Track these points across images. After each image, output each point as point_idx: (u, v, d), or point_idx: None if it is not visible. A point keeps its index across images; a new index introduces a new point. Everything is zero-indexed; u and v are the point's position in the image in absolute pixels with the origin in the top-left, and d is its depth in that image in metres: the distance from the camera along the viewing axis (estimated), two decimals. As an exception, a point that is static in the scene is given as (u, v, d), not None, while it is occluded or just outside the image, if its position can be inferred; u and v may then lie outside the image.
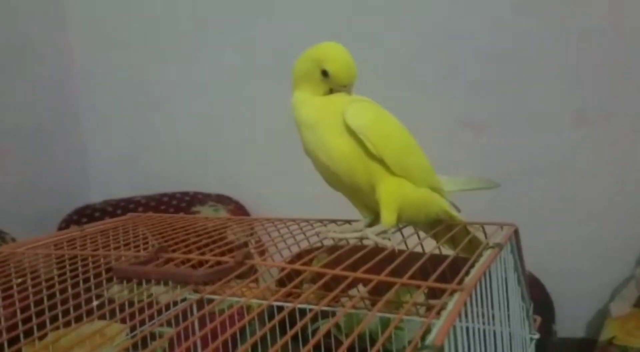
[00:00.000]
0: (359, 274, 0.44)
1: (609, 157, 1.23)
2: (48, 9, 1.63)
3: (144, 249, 0.65)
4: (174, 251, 0.64)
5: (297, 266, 0.48)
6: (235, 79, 1.54)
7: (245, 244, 0.68)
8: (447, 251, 0.58)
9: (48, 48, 1.63)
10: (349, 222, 0.66)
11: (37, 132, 1.57)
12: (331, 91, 0.58)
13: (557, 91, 1.25)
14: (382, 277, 0.43)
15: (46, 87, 1.62)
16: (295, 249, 0.67)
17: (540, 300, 1.19)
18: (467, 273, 0.45)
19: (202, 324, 0.73)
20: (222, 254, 0.63)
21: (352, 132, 0.55)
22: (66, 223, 1.57)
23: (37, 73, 1.58)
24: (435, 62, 1.34)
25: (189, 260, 0.53)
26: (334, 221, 0.68)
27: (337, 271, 0.45)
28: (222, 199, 1.56)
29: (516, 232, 0.58)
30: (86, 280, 0.53)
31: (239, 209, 1.54)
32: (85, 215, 1.57)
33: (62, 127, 1.67)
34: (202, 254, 0.64)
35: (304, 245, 0.65)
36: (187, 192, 1.58)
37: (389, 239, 0.55)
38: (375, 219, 0.60)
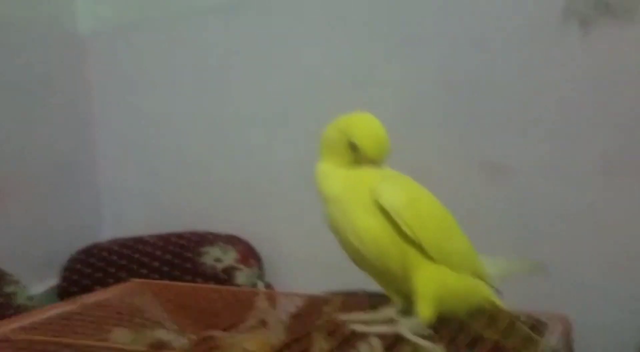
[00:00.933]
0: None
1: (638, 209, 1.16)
2: (67, 44, 1.61)
3: (150, 329, 0.57)
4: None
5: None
6: (252, 120, 1.49)
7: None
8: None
9: (66, 82, 1.60)
10: (374, 306, 0.59)
11: (51, 169, 1.54)
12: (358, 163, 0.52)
13: (586, 137, 1.18)
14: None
15: (62, 123, 1.59)
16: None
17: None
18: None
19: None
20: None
21: (384, 212, 0.48)
22: (72, 263, 1.51)
23: (52, 109, 1.55)
24: (457, 106, 1.28)
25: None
26: (353, 293, 0.61)
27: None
28: (231, 240, 1.49)
29: (569, 328, 0.51)
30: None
31: (248, 251, 1.47)
32: (92, 255, 1.51)
33: (76, 162, 1.64)
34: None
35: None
36: (197, 232, 1.52)
37: (429, 338, 0.48)
38: (408, 306, 0.53)
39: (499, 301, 0.53)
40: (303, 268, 1.42)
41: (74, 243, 1.55)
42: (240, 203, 1.55)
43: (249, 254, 1.48)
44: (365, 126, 0.51)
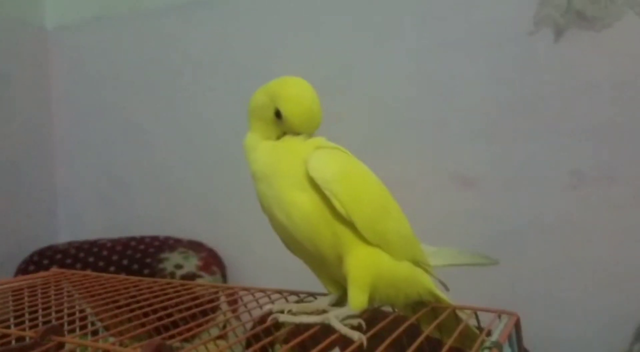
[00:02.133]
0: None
1: (608, 221, 1.13)
2: (31, 38, 1.57)
3: (57, 319, 0.52)
4: (102, 318, 0.52)
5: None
6: (219, 124, 1.45)
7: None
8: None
9: (25, 81, 1.56)
10: (313, 295, 0.54)
11: (7, 167, 1.48)
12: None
13: (554, 149, 1.15)
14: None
15: (21, 122, 1.54)
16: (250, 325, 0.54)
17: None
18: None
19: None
20: (157, 329, 0.50)
21: (316, 187, 0.43)
22: (26, 264, 1.45)
23: (11, 106, 1.50)
24: (427, 113, 1.25)
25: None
26: (296, 293, 0.56)
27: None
28: (194, 246, 1.43)
29: (517, 324, 0.46)
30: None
31: (212, 257, 1.41)
32: (47, 257, 1.45)
33: (32, 163, 1.59)
34: (128, 330, 0.52)
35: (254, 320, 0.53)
36: (157, 237, 1.46)
37: (359, 326, 0.43)
38: (343, 296, 0.48)
39: (440, 293, 0.48)
40: (270, 275, 1.36)
41: (29, 245, 1.49)
42: (206, 209, 1.49)
43: (211, 261, 1.41)
44: (293, 91, 0.46)
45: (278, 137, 0.47)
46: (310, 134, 0.46)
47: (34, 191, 1.59)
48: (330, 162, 0.44)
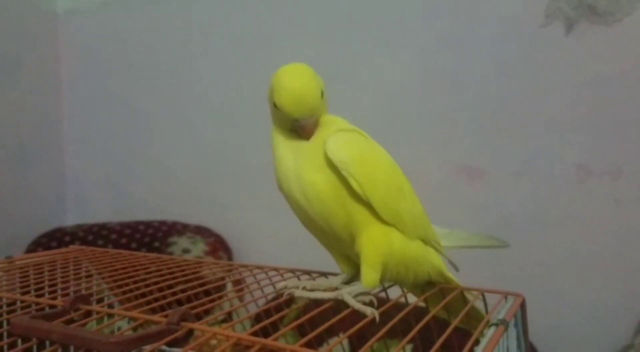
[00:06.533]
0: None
1: (613, 216, 1.13)
2: (41, 22, 1.58)
3: (75, 292, 0.54)
4: (116, 293, 0.54)
5: (252, 338, 0.37)
6: (226, 110, 1.46)
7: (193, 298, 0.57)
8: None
9: (35, 65, 1.56)
10: (325, 275, 0.55)
11: (16, 150, 1.49)
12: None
13: (561, 143, 1.16)
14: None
15: (30, 106, 1.55)
16: (262, 302, 0.56)
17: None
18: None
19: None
20: (170, 304, 0.52)
21: (334, 168, 0.45)
22: (34, 246, 1.47)
23: (20, 90, 1.51)
24: (436, 106, 1.26)
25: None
26: (308, 272, 0.58)
27: (297, 348, 0.35)
28: (201, 231, 1.45)
29: (522, 304, 0.47)
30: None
31: (218, 243, 1.43)
32: (55, 238, 1.47)
33: (42, 146, 1.60)
34: (148, 303, 0.53)
35: (272, 297, 0.54)
36: (165, 221, 1.47)
37: (371, 303, 0.45)
38: (355, 275, 0.50)
39: (449, 274, 0.50)
40: (275, 261, 1.38)
41: (37, 227, 1.50)
42: (212, 195, 1.51)
43: (218, 246, 1.43)
44: (282, 79, 0.45)
45: (290, 129, 0.47)
46: (308, 120, 0.46)
47: (43, 174, 1.61)
48: (347, 144, 0.45)
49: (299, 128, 0.46)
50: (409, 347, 0.57)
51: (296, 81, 0.45)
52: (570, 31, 1.11)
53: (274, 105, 0.46)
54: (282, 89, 0.45)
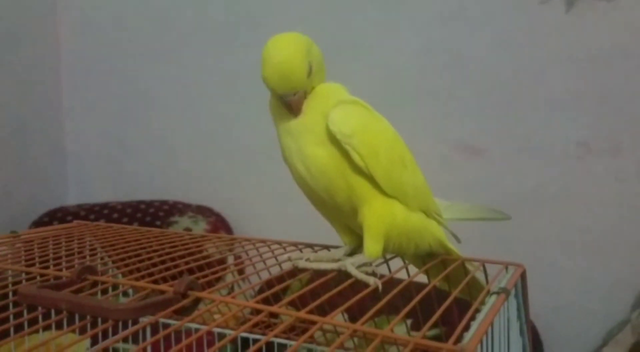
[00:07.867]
0: (328, 320, 0.35)
1: (612, 192, 1.14)
2: (36, 2, 1.56)
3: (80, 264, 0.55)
4: (119, 266, 0.54)
5: (258, 305, 0.38)
6: (226, 88, 1.45)
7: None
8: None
9: (33, 41, 1.55)
10: (327, 248, 0.56)
11: (15, 129, 1.48)
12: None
13: (561, 120, 1.16)
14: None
15: (29, 83, 1.54)
16: (265, 275, 0.57)
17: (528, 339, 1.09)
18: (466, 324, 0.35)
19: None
20: (174, 277, 0.53)
21: (336, 141, 0.45)
22: (36, 225, 1.47)
23: (20, 68, 1.50)
24: (436, 82, 1.25)
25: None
26: (310, 246, 0.58)
27: (302, 315, 0.35)
28: (202, 210, 1.46)
29: (523, 275, 0.48)
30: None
31: (219, 222, 1.44)
32: (57, 218, 1.47)
33: (43, 125, 1.59)
34: (151, 274, 0.54)
35: (275, 271, 0.55)
36: (167, 201, 1.48)
37: (373, 273, 0.45)
38: (358, 247, 0.50)
39: (450, 245, 0.51)
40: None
41: (38, 207, 1.51)
42: (213, 174, 1.51)
43: (219, 225, 1.44)
44: (265, 53, 0.45)
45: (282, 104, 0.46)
46: (291, 97, 0.45)
47: (43, 153, 1.60)
48: (349, 117, 0.45)
49: (285, 104, 0.46)
50: (409, 322, 0.58)
51: (279, 55, 0.44)
52: (570, 7, 1.10)
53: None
54: (265, 63, 0.44)
